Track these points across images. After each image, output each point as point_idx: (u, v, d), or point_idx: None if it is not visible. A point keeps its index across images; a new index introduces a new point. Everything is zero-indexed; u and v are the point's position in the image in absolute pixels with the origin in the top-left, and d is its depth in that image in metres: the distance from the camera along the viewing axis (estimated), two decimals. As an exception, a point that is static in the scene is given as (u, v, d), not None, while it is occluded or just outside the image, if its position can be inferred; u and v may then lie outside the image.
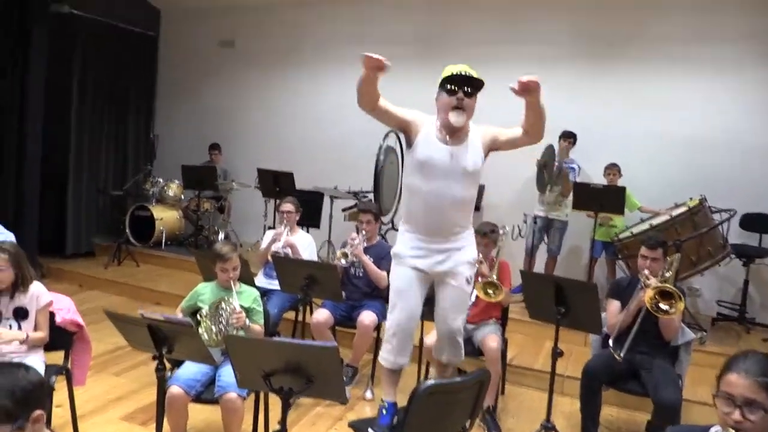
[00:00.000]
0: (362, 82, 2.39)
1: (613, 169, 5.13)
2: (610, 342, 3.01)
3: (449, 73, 2.55)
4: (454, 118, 2.50)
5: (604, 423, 3.11)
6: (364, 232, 3.83)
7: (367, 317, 3.62)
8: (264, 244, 4.17)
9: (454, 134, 2.58)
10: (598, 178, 5.25)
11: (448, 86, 2.52)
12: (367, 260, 3.73)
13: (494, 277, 3.24)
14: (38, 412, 1.36)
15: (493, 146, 2.66)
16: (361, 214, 3.89)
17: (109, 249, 6.27)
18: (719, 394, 1.47)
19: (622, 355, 2.87)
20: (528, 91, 2.33)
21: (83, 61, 6.32)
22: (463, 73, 2.51)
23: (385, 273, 3.62)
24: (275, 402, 3.11)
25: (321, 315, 3.69)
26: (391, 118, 2.62)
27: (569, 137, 5.17)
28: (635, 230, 4.62)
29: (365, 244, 3.83)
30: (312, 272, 3.29)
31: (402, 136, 2.76)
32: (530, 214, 5.27)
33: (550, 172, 4.97)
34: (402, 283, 2.69)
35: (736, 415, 1.42)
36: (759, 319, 4.95)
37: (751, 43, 5.08)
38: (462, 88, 2.50)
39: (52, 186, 6.40)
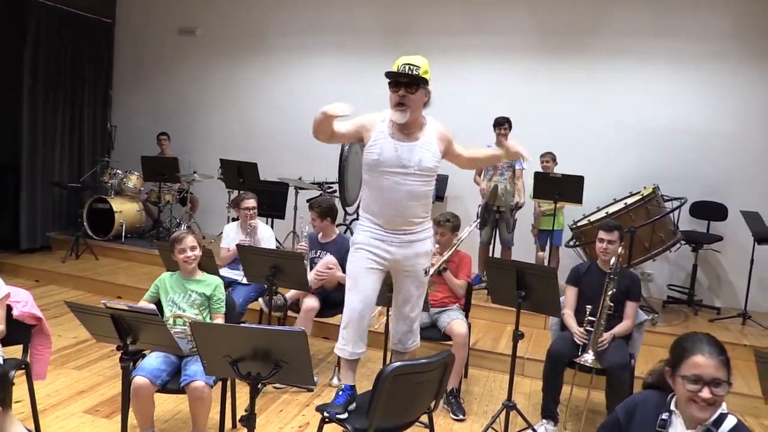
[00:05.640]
0: (319, 123, 2.47)
1: (546, 157, 5.15)
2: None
3: (393, 68, 2.54)
4: (396, 116, 2.53)
5: (563, 401, 3.24)
6: (314, 228, 3.79)
7: (311, 301, 3.62)
8: (224, 243, 4.10)
9: (403, 130, 2.59)
10: (558, 169, 5.36)
11: (390, 82, 2.54)
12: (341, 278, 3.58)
13: (439, 265, 3.32)
14: None
15: (447, 151, 2.70)
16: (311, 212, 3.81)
17: (66, 243, 6.07)
18: (687, 377, 1.56)
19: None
20: (511, 156, 2.72)
21: (34, 49, 6.05)
22: (404, 68, 2.50)
23: None
24: (242, 390, 3.14)
25: (314, 302, 3.63)
26: (347, 137, 2.70)
27: (502, 124, 4.95)
28: (592, 218, 4.80)
29: (323, 240, 3.77)
30: (277, 262, 3.30)
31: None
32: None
33: (490, 211, 5.04)
34: (359, 270, 2.66)
35: (705, 392, 1.54)
36: (706, 301, 5.24)
37: (705, 39, 5.31)
38: (403, 85, 2.50)
39: (4, 179, 6.17)
